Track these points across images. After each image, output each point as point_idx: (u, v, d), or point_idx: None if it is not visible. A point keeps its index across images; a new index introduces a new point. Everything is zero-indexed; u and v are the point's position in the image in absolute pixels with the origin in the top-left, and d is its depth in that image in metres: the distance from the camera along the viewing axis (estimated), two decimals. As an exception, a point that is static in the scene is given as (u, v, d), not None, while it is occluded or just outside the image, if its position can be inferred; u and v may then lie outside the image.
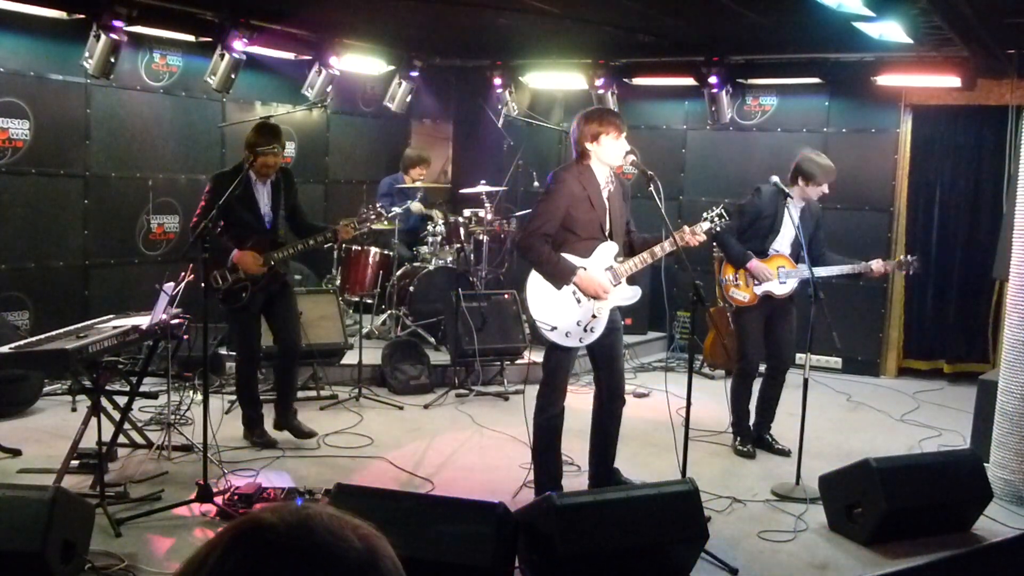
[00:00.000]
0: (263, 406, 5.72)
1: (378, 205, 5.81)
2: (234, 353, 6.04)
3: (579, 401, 4.70)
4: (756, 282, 5.61)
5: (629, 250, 4.67)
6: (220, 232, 5.21)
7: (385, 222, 6.46)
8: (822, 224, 5.79)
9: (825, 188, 5.56)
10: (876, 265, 5.62)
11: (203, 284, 5.14)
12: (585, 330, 4.51)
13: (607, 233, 4.54)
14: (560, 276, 4.43)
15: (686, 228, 4.55)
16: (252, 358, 5.65)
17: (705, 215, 4.64)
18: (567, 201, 4.44)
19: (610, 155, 4.48)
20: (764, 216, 5.62)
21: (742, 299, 5.68)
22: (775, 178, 5.52)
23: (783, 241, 5.65)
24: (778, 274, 5.61)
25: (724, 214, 4.65)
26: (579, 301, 4.47)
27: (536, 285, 4.50)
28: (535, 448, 4.70)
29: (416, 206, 8.28)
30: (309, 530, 0.95)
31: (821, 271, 5.49)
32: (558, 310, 4.47)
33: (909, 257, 5.85)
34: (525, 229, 4.55)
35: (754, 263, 5.58)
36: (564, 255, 4.46)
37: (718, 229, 4.70)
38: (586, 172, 4.50)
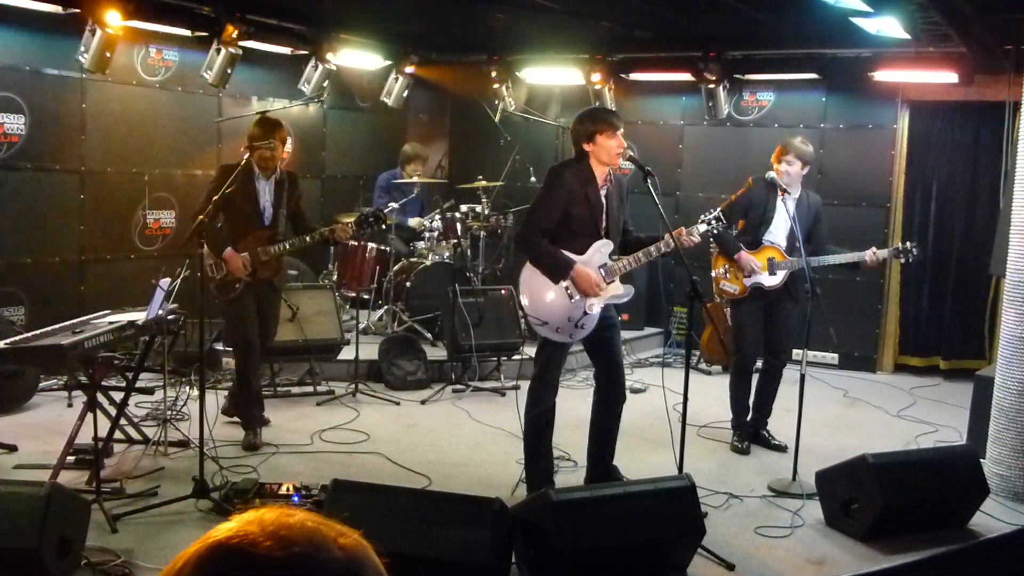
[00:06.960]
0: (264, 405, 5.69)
1: (379, 203, 5.76)
2: (230, 348, 6.00)
3: (577, 397, 4.70)
4: (746, 274, 5.62)
5: (625, 249, 4.67)
6: (220, 225, 5.20)
7: (383, 225, 6.35)
8: (823, 218, 5.73)
9: (796, 164, 5.49)
10: (869, 255, 5.51)
11: (200, 274, 5.15)
12: (576, 326, 4.51)
13: (603, 231, 4.55)
14: (558, 269, 4.44)
15: (683, 229, 4.55)
16: (248, 346, 5.49)
17: (702, 217, 4.63)
18: (565, 197, 4.45)
19: (606, 154, 4.49)
20: (754, 207, 5.65)
21: (732, 291, 5.70)
22: (772, 174, 5.54)
23: (777, 232, 5.63)
24: (767, 265, 5.60)
25: (721, 217, 4.64)
26: (572, 297, 4.48)
27: (529, 280, 4.51)
28: (526, 443, 4.72)
29: (415, 221, 8.20)
30: (289, 541, 0.91)
31: (818, 260, 5.50)
32: (550, 305, 4.48)
33: (908, 244, 5.71)
34: (524, 223, 4.57)
35: (741, 255, 5.58)
36: (560, 251, 4.47)
37: (715, 232, 4.71)
38: (585, 170, 4.52)
